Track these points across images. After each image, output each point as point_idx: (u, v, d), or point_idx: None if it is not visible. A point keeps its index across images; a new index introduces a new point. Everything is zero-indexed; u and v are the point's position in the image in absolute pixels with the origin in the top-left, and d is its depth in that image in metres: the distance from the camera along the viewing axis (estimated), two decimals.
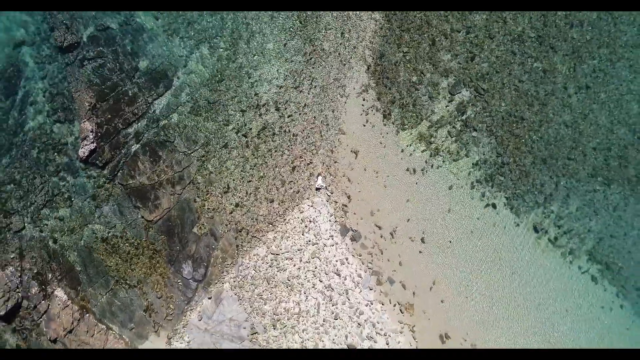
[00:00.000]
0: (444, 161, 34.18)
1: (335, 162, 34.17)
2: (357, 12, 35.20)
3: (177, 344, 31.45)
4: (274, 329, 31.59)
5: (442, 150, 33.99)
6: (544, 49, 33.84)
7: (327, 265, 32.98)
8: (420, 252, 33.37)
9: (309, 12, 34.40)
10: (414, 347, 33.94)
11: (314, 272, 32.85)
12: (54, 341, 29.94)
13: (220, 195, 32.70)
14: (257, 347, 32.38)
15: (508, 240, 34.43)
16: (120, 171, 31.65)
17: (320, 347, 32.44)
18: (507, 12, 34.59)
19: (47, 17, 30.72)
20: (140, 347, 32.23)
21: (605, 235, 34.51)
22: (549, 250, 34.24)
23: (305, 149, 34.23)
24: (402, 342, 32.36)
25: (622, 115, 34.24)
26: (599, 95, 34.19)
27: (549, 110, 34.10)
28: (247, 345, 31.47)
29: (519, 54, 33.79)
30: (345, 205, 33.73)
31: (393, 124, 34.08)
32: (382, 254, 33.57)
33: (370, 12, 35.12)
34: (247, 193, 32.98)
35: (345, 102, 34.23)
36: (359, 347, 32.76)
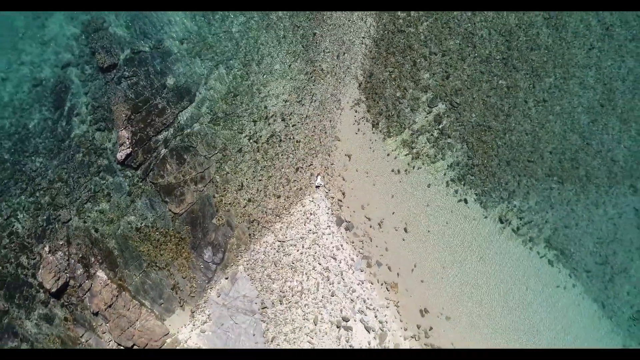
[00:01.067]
0: (423, 163, 35.12)
1: (331, 164, 35.29)
2: (351, 38, 35.46)
3: (199, 317, 32.58)
4: (281, 304, 32.97)
5: (422, 154, 35.05)
6: (508, 69, 35.22)
7: (325, 251, 34.01)
8: (403, 239, 34.53)
9: (310, 38, 34.81)
10: (394, 320, 34.28)
11: (314, 256, 33.85)
12: (96, 314, 31.32)
13: (235, 192, 33.84)
14: (267, 320, 32.93)
15: (477, 230, 35.17)
16: (151, 172, 32.72)
17: (318, 320, 33.25)
18: (477, 37, 34.98)
19: (90, 42, 31.77)
20: (168, 319, 32.70)
21: (560, 225, 35.52)
22: (512, 238, 35.20)
23: (306, 153, 35.25)
24: (388, 315, 33.52)
25: (574, 124, 35.53)
26: (554, 107, 35.51)
27: (512, 121, 35.24)
28: (257, 316, 32.76)
29: (487, 73, 35.14)
30: (341, 200, 34.88)
31: (381, 132, 35.19)
32: (371, 241, 34.62)
33: (361, 38, 35.38)
34: (257, 190, 34.13)
35: (340, 114, 35.42)
36: (352, 322, 33.64)
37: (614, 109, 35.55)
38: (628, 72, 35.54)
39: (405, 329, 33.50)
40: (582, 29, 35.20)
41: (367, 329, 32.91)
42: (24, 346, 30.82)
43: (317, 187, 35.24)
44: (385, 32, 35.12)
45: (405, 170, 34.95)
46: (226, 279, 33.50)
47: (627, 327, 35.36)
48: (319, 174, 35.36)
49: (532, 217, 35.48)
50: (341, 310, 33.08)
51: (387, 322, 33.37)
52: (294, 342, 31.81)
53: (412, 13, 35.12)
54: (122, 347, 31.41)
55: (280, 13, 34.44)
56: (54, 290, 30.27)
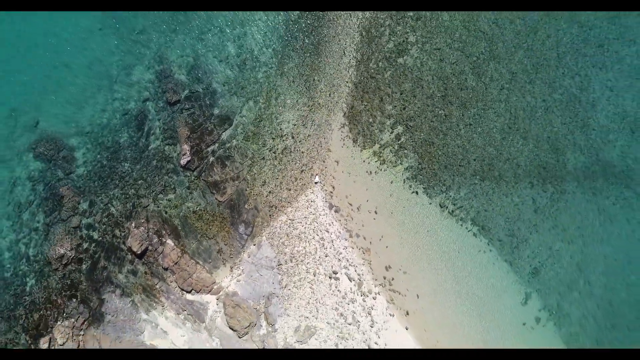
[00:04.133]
0: (387, 167, 37.71)
1: (325, 167, 37.99)
2: (338, 82, 37.35)
3: (236, 272, 35.52)
4: (291, 262, 35.94)
5: (387, 161, 37.74)
6: (446, 103, 37.99)
7: (321, 226, 36.76)
8: (374, 218, 37.37)
9: (311, 82, 36.98)
10: (368, 273, 36.37)
11: (313, 230, 36.65)
12: (166, 269, 34.46)
13: (260, 186, 36.66)
14: (282, 273, 35.59)
15: (425, 212, 37.84)
16: (204, 172, 35.54)
17: (316, 273, 35.43)
18: (424, 81, 37.31)
19: (161, 85, 34.51)
20: (215, 272, 35.20)
21: (482, 209, 38.22)
22: (448, 218, 38.09)
23: (308, 160, 37.77)
24: (364, 270, 36.41)
25: (491, 140, 38.35)
26: (477, 129, 38.21)
27: (448, 138, 37.96)
28: (275, 271, 35.66)
29: (431, 106, 37.82)
30: (332, 192, 37.78)
31: (359, 145, 37.84)
32: (352, 219, 37.50)
33: (345, 80, 37.69)
34: (275, 185, 36.94)
35: (331, 133, 38.12)
36: (339, 275, 36.11)
37: (518, 130, 38.49)
38: (527, 105, 38.73)
39: (376, 279, 36.78)
40: (496, 75, 38.32)
41: (350, 279, 36.22)
42: (118, 291, 33.76)
43: (316, 183, 37.64)
44: (362, 77, 37.74)
45: (376, 172, 37.63)
46: (254, 245, 36.18)
47: (527, 279, 38.56)
48: (317, 174, 37.73)
49: (462, 204, 38.22)
50: (332, 267, 36.20)
51: (363, 275, 36.65)
52: (300, 287, 35.40)
53: (380, 64, 37.76)
54: (186, 291, 34.62)
55: (291, 64, 36.89)
56: (138, 252, 33.58)
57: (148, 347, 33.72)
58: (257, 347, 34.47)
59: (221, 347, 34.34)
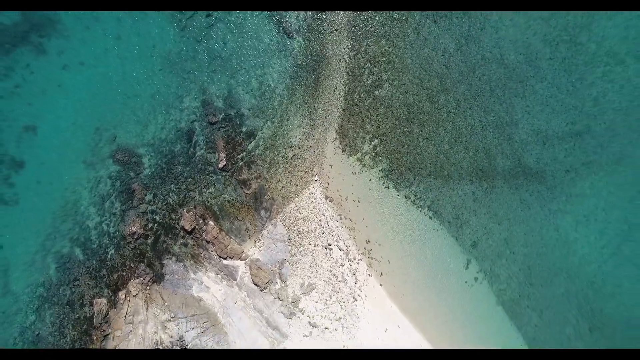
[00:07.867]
0: (367, 169, 40.24)
1: (322, 169, 40.53)
2: (331, 108, 39.66)
3: (258, 244, 38.01)
4: (298, 237, 38.76)
5: (367, 165, 40.21)
6: (409, 123, 40.36)
7: (319, 211, 39.81)
8: (357, 206, 39.88)
9: (312, 108, 39.30)
10: (353, 245, 39.18)
11: (314, 214, 39.31)
12: (208, 242, 36.95)
13: (275, 183, 39.21)
14: (291, 245, 38.49)
15: (394, 202, 40.13)
16: (235, 173, 38.03)
17: (316, 245, 38.17)
18: (394, 107, 40.04)
19: (205, 109, 37.13)
20: (243, 245, 37.44)
21: (435, 199, 40.63)
22: (411, 205, 40.53)
23: (310, 164, 40.45)
24: (350, 243, 39.09)
25: (441, 149, 40.57)
26: (431, 142, 40.50)
27: (410, 148, 40.26)
28: (286, 243, 38.44)
29: (398, 125, 40.13)
30: (327, 187, 40.18)
31: (346, 154, 40.28)
32: (342, 207, 40.12)
33: (337, 107, 40.31)
34: (286, 182, 39.54)
35: (327, 145, 40.61)
36: (332, 246, 39.10)
37: (461, 142, 41.04)
38: (468, 124, 41.52)
39: (358, 249, 39.85)
40: (445, 103, 41.05)
41: (340, 249, 39.37)
42: (174, 258, 36.85)
43: (315, 181, 40.39)
44: (349, 105, 40.64)
45: (359, 172, 40.18)
46: (271, 225, 38.94)
47: (468, 250, 41.14)
48: (316, 174, 40.20)
49: (421, 195, 40.70)
50: (327, 240, 39.32)
51: (349, 246, 39.87)
52: (304, 255, 38.56)
53: (361, 95, 40.45)
54: (222, 258, 37.66)
55: (297, 95, 39.38)
56: (188, 230, 36.66)
57: (196, 299, 39.07)
58: (273, 298, 38.95)
59: (249, 298, 38.41)
